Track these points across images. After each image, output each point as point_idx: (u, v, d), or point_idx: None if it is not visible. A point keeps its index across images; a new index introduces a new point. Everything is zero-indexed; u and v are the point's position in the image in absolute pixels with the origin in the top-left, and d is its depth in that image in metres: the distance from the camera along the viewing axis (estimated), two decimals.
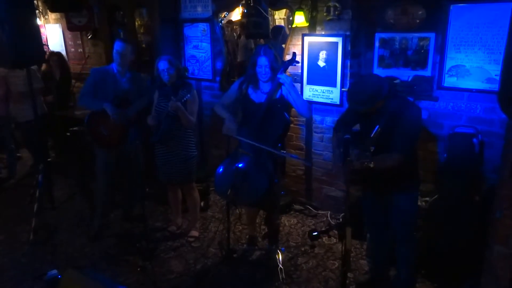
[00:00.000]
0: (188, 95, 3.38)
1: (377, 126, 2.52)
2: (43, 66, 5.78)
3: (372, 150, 2.42)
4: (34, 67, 4.93)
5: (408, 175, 2.72)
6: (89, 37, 6.29)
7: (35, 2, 5.78)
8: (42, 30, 6.44)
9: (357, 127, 3.01)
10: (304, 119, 4.24)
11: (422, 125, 2.73)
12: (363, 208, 3.08)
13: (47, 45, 6.76)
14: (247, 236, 3.86)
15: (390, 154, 2.52)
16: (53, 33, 6.94)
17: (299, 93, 3.30)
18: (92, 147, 3.98)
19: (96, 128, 3.78)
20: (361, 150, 2.42)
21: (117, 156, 3.90)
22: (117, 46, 3.69)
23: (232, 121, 3.29)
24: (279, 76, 3.12)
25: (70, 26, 6.16)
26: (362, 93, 2.51)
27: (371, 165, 2.39)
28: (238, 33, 7.36)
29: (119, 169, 4.02)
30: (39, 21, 6.51)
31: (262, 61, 3.19)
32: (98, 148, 3.89)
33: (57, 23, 6.82)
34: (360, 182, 2.90)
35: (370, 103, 2.49)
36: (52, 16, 6.89)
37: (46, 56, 5.54)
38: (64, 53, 6.47)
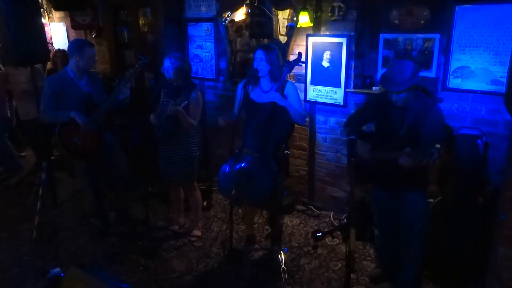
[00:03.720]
0: (186, 102, 3.30)
1: (405, 123, 2.52)
2: (48, 64, 5.78)
3: (437, 148, 2.35)
4: (38, 65, 4.95)
5: (421, 174, 2.74)
6: (93, 35, 6.29)
7: (40, 0, 5.79)
8: (46, 28, 6.44)
9: (368, 128, 3.00)
10: (307, 119, 4.24)
11: (445, 127, 2.76)
12: (374, 204, 3.07)
13: (51, 44, 6.77)
14: (245, 235, 3.87)
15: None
16: (57, 32, 6.96)
17: (300, 103, 3.30)
18: (72, 158, 3.80)
19: (69, 140, 3.55)
20: (422, 148, 2.38)
21: (97, 161, 3.77)
22: (94, 52, 3.59)
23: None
24: (276, 93, 3.08)
25: (74, 25, 6.16)
26: (402, 74, 2.54)
27: (431, 162, 2.34)
28: (239, 32, 7.30)
29: (103, 172, 3.92)
30: (44, 20, 6.52)
31: (258, 53, 3.20)
32: (77, 160, 3.76)
33: (61, 22, 6.84)
34: (373, 178, 2.91)
35: (407, 85, 2.52)
36: (56, 14, 6.91)
37: (50, 54, 5.55)
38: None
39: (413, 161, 2.41)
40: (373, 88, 3.81)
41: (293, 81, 4.23)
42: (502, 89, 3.11)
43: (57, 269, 2.75)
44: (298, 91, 3.91)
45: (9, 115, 5.34)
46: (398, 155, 2.49)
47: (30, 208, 4.28)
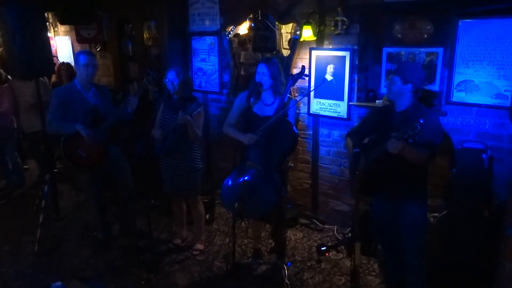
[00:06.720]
0: (199, 109, 3.36)
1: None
2: (53, 78, 5.82)
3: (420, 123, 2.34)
4: (43, 78, 4.98)
5: (418, 184, 2.73)
6: (97, 49, 6.35)
7: (46, 14, 5.86)
8: (51, 42, 6.51)
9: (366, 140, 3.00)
10: (311, 132, 4.24)
11: (442, 133, 2.75)
12: (373, 218, 3.04)
13: (57, 57, 6.84)
14: (252, 249, 3.83)
15: (420, 148, 2.51)
16: (62, 45, 7.03)
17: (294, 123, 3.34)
18: (76, 170, 3.79)
19: (74, 152, 3.55)
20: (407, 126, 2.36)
21: (101, 173, 3.78)
22: (86, 59, 3.49)
23: (244, 134, 3.28)
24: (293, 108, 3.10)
25: (79, 39, 6.22)
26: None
27: (415, 138, 2.33)
28: (243, 45, 7.36)
29: (107, 183, 3.91)
30: (49, 33, 6.59)
31: (260, 67, 3.23)
32: (81, 172, 3.76)
33: (66, 35, 6.92)
34: (370, 189, 2.89)
35: (412, 76, 2.62)
36: (61, 28, 6.98)
37: (55, 68, 5.60)
38: (73, 65, 6.53)
39: (400, 142, 2.38)
40: (377, 101, 3.80)
41: (296, 94, 4.25)
42: (506, 103, 3.11)
43: (59, 283, 2.73)
44: (302, 104, 3.93)
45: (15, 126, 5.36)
46: (386, 144, 2.47)
47: (33, 221, 4.25)
